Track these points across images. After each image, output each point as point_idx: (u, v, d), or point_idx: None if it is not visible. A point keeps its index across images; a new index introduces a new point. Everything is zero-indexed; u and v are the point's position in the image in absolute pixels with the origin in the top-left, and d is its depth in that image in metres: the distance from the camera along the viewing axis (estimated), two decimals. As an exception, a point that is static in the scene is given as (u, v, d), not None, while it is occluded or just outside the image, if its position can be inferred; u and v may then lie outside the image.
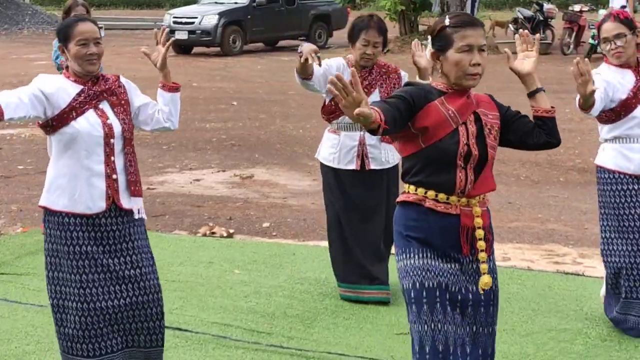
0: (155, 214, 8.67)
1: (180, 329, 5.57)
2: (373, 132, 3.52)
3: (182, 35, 25.52)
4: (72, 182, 4.42)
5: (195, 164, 11.18)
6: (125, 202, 4.48)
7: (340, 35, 26.46)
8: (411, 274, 3.79)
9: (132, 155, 4.51)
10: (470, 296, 3.82)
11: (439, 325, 3.75)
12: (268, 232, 8.14)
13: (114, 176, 4.44)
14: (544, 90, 3.95)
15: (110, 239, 4.47)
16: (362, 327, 5.69)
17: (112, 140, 4.42)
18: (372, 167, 6.05)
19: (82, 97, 4.41)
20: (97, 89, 4.47)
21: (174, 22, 25.74)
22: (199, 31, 25.34)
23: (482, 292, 3.82)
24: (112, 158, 4.44)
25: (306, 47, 5.69)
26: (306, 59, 5.61)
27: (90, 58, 4.41)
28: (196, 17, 25.65)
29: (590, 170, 10.27)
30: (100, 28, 7.31)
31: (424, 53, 5.69)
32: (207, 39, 25.45)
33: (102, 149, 4.41)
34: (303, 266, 6.93)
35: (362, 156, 6.05)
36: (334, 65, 6.04)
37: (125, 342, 4.55)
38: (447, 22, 3.77)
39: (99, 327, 4.46)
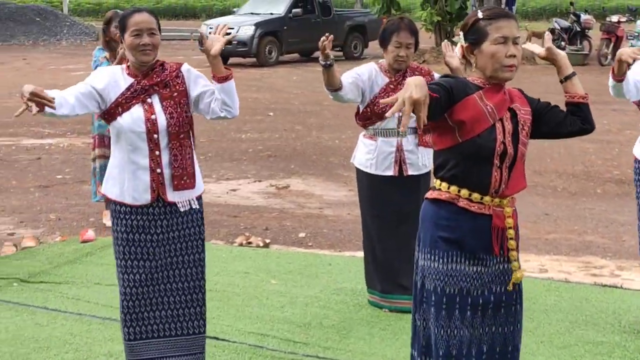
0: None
1: (217, 338, 5.60)
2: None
3: (218, 46, 25.61)
4: (122, 173, 4.54)
5: (232, 174, 11.23)
6: (170, 195, 4.54)
7: (376, 46, 26.48)
8: (434, 277, 3.79)
9: (179, 149, 4.51)
10: (492, 298, 3.81)
11: (455, 331, 3.76)
12: (304, 242, 8.16)
13: (159, 170, 4.50)
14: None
15: (157, 228, 4.56)
16: (399, 338, 5.69)
17: (155, 135, 4.46)
18: (410, 172, 6.03)
19: (129, 92, 4.47)
20: (146, 82, 4.49)
21: (210, 33, 25.84)
22: (235, 42, 25.44)
23: (510, 289, 3.81)
24: (157, 152, 4.48)
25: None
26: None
27: (143, 48, 4.44)
28: (232, 28, 25.75)
29: (628, 181, 10.20)
30: None
31: (454, 53, 5.71)
32: (243, 49, 25.56)
33: (145, 143, 4.47)
34: (339, 277, 6.94)
35: (400, 162, 6.03)
36: (365, 73, 6.05)
37: (169, 329, 4.65)
38: (480, 14, 3.75)
39: (140, 311, 4.60)
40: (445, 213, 3.77)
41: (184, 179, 4.54)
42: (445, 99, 3.60)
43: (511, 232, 3.80)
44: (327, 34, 5.77)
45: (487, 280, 3.80)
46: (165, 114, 4.48)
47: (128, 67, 4.55)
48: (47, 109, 4.18)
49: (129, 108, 4.46)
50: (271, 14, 26.69)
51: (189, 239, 4.63)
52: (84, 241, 7.87)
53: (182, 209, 4.58)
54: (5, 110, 16.47)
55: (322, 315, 6.08)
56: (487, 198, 3.74)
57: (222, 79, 4.56)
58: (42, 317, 6.03)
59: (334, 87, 5.87)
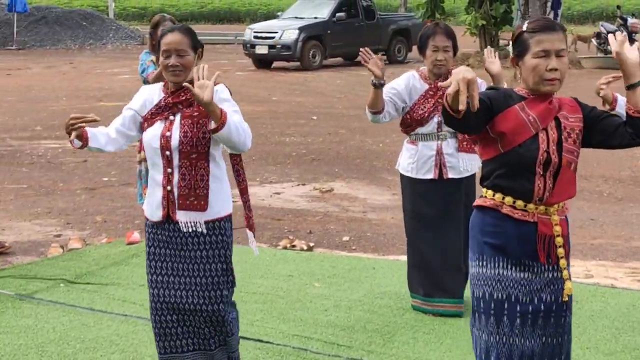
0: (235, 227, 8.72)
1: (261, 341, 5.62)
2: (452, 120, 3.53)
3: (262, 50, 25.78)
4: (149, 188, 4.60)
5: (275, 178, 11.27)
6: (177, 214, 4.49)
7: (420, 50, 26.44)
8: (482, 283, 3.79)
9: (188, 169, 4.45)
10: (542, 307, 3.79)
11: (504, 338, 3.76)
12: (348, 245, 8.16)
13: (169, 187, 4.48)
14: None
15: (173, 245, 4.55)
16: (442, 342, 5.67)
17: (167, 152, 4.44)
18: (450, 176, 6.04)
19: (155, 109, 4.50)
20: (171, 100, 4.49)
21: (255, 37, 26.01)
22: (279, 46, 25.54)
23: (566, 299, 3.79)
24: (170, 170, 4.47)
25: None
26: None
27: (172, 70, 4.44)
28: (276, 32, 25.86)
29: (676, 187, 10.09)
30: None
31: (496, 59, 5.72)
32: (287, 53, 25.64)
33: (160, 160, 4.48)
34: (383, 280, 6.93)
35: (440, 165, 6.05)
36: (401, 84, 6.10)
37: (198, 344, 4.62)
38: (525, 27, 3.76)
39: (170, 326, 4.58)
40: (490, 219, 3.79)
41: (190, 199, 4.46)
42: (483, 111, 3.61)
43: (560, 239, 3.77)
44: (363, 49, 5.84)
45: (536, 288, 3.78)
46: (180, 132, 4.43)
47: (166, 83, 4.59)
48: (92, 143, 4.34)
49: (152, 124, 4.49)
50: (315, 18, 26.76)
51: (195, 262, 4.53)
52: (130, 243, 7.94)
53: (184, 229, 4.49)
54: (52, 114, 16.67)
55: (366, 319, 6.08)
56: (530, 205, 3.74)
57: (213, 130, 4.30)
58: (89, 317, 6.09)
59: (377, 110, 5.94)
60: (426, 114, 6.03)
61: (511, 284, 3.76)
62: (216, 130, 4.26)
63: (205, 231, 4.50)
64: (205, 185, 4.48)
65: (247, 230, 4.87)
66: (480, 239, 3.80)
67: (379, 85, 5.84)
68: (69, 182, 10.92)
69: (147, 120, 4.50)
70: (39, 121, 15.92)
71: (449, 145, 6.04)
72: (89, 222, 8.99)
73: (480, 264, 3.80)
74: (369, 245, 8.16)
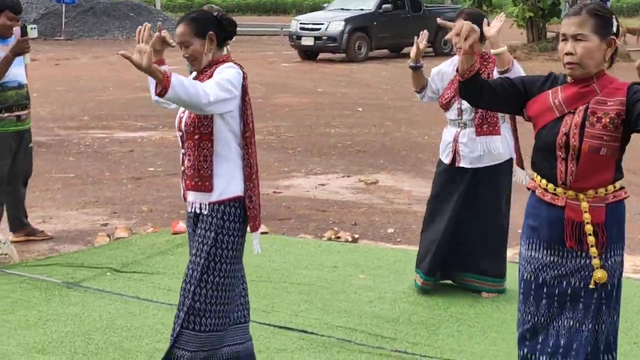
0: (280, 218, 8.78)
1: (305, 332, 5.63)
2: (461, 86, 3.84)
3: (308, 42, 25.80)
4: None
5: (320, 169, 11.27)
6: (187, 194, 4.54)
7: (466, 42, 26.25)
8: (521, 261, 3.96)
9: (192, 149, 4.44)
10: (569, 290, 3.82)
11: (529, 317, 3.89)
12: (393, 238, 8.14)
13: (182, 167, 4.55)
14: None
15: (190, 224, 4.60)
16: (487, 335, 5.64)
17: (180, 133, 4.51)
18: (461, 164, 6.24)
19: None
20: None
21: (301, 28, 26.04)
22: (325, 37, 25.54)
23: (593, 286, 3.77)
24: (183, 150, 4.52)
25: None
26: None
27: (186, 59, 4.53)
28: (322, 24, 25.86)
29: None
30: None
31: (497, 23, 5.81)
32: (333, 45, 25.64)
33: (180, 141, 4.56)
34: (427, 273, 6.90)
35: (455, 153, 6.26)
36: (437, 69, 6.41)
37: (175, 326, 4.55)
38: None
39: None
40: (531, 201, 3.93)
41: (194, 179, 4.47)
42: (511, 91, 3.85)
43: (589, 227, 3.75)
44: (423, 30, 6.22)
45: (565, 272, 3.82)
46: (186, 113, 4.46)
47: None
48: (157, 99, 4.39)
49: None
50: (361, 9, 26.71)
51: (196, 240, 4.51)
52: (175, 233, 7.99)
53: (189, 209, 4.54)
54: (100, 104, 16.82)
55: (411, 311, 6.07)
56: (559, 190, 3.79)
57: (158, 94, 4.14)
58: (135, 306, 6.14)
59: (416, 89, 6.34)
60: (449, 99, 6.25)
61: (540, 267, 3.85)
62: (160, 93, 4.09)
63: (207, 212, 4.46)
64: (209, 166, 4.44)
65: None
66: (525, 220, 3.95)
67: (413, 68, 6.24)
68: (116, 172, 11.01)
69: None
70: (87, 111, 16.07)
71: (465, 134, 6.22)
72: (135, 211, 9.06)
73: (522, 243, 3.96)
74: (413, 237, 8.12)
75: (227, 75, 4.35)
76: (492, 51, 5.83)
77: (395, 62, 25.37)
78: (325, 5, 30.94)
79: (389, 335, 5.63)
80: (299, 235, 8.15)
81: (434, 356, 5.30)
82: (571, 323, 3.82)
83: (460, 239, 6.27)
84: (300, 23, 26.47)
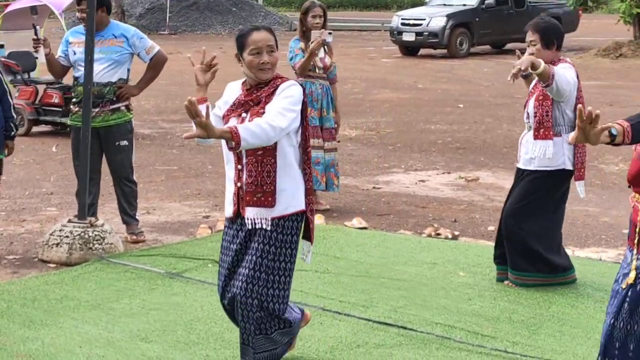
0: (380, 213, 8.78)
1: (404, 328, 5.61)
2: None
3: (409, 37, 25.70)
4: (226, 185, 4.71)
5: (420, 165, 11.22)
6: (245, 210, 4.54)
7: (571, 38, 25.83)
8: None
9: (254, 165, 4.47)
10: (623, 291, 3.81)
11: (607, 317, 3.88)
12: (493, 235, 8.03)
13: (239, 184, 4.54)
14: None
15: (241, 239, 4.60)
16: (590, 337, 5.53)
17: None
18: (519, 165, 6.44)
19: (231, 107, 4.59)
20: (244, 98, 4.56)
21: (402, 24, 25.96)
22: (427, 33, 25.40)
23: (624, 287, 3.79)
24: (240, 167, 4.53)
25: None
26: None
27: (262, 67, 4.49)
28: (424, 19, 25.73)
29: None
30: (329, 33, 7.41)
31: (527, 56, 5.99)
32: (434, 40, 25.48)
33: (232, 156, 4.54)
34: (528, 272, 6.82)
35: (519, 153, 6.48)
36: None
37: (241, 337, 4.69)
38: None
39: (229, 311, 4.78)
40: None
41: (257, 195, 4.48)
42: None
43: None
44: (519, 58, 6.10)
45: (625, 272, 3.82)
46: None
47: (245, 81, 4.64)
48: (199, 140, 4.34)
49: (228, 121, 4.55)
50: (464, 5, 26.48)
51: (251, 253, 4.54)
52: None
53: (249, 226, 4.54)
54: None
55: (511, 309, 6.00)
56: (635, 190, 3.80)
57: (232, 149, 4.34)
58: (206, 291, 6.19)
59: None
60: (525, 103, 6.42)
61: (621, 268, 3.86)
62: (234, 149, 4.28)
63: (268, 228, 4.52)
64: (272, 181, 4.48)
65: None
66: None
67: (526, 76, 6.44)
68: (217, 165, 11.14)
69: (225, 117, 4.59)
70: (190, 105, 16.29)
71: (525, 136, 6.37)
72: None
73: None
74: (514, 235, 8.03)
75: (291, 93, 4.46)
76: (533, 72, 5.92)
77: (497, 58, 25.09)
78: (427, 0, 30.78)
79: (488, 333, 5.57)
80: (398, 231, 8.13)
81: (535, 356, 5.23)
82: (635, 328, 3.80)
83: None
84: (402, 19, 26.38)
